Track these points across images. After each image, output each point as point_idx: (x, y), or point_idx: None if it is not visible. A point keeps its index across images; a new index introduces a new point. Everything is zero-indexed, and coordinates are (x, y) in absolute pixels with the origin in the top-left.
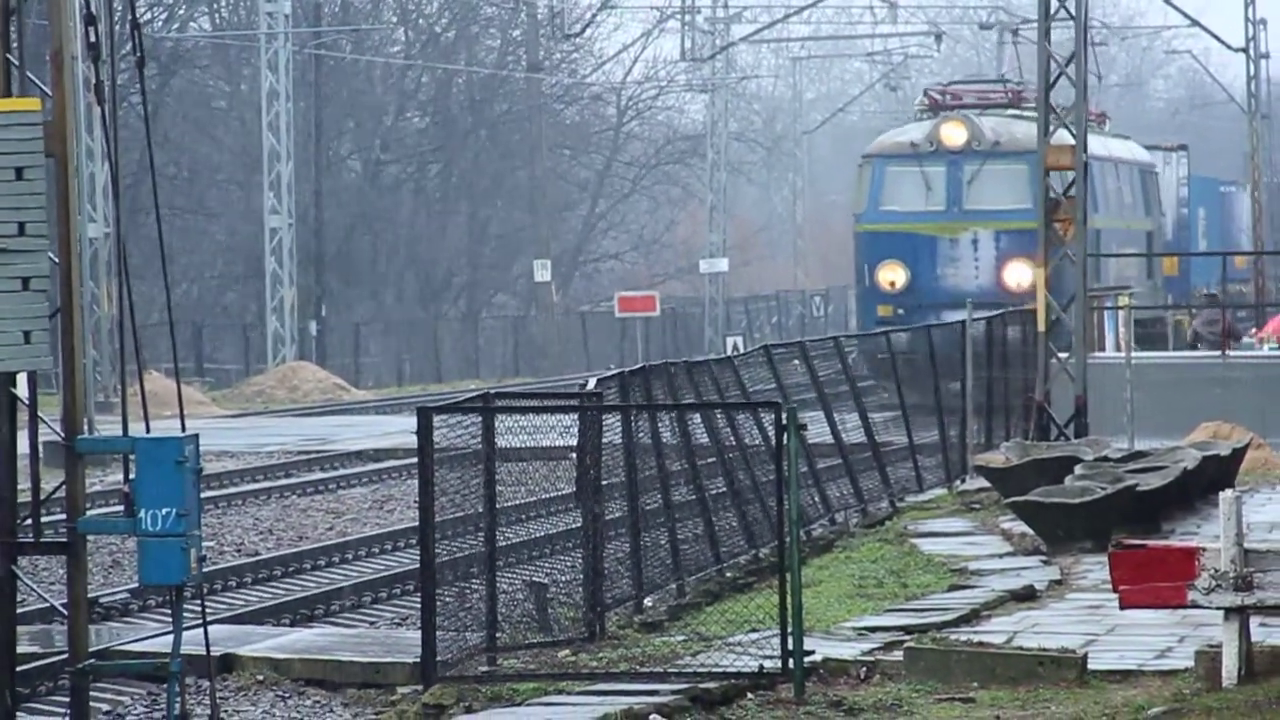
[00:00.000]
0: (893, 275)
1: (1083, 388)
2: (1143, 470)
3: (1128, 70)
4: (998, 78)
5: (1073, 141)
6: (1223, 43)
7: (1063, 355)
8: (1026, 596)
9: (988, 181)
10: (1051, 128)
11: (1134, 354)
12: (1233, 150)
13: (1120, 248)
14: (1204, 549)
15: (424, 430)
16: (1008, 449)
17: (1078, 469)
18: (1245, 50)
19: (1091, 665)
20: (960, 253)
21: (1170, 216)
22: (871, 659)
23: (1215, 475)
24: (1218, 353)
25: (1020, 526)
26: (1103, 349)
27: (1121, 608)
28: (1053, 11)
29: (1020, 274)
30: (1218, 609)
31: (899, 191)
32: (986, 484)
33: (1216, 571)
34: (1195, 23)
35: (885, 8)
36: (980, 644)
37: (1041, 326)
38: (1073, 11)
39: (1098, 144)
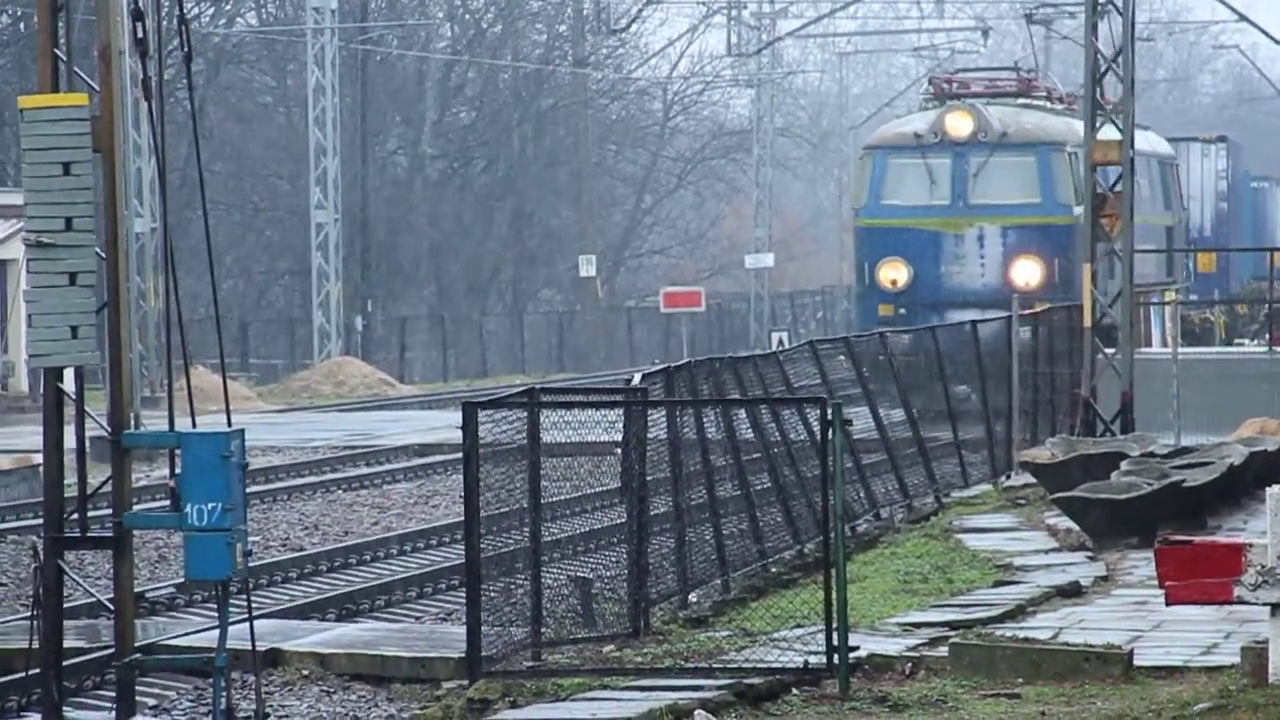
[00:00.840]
0: (894, 273)
1: (1129, 383)
2: (1189, 466)
3: (1175, 65)
4: (1010, 65)
5: (1119, 136)
6: (1271, 38)
7: (1109, 351)
8: (1072, 592)
9: (994, 174)
10: (1099, 123)
11: (1180, 349)
12: None
13: (1139, 243)
14: (1251, 545)
15: (469, 426)
16: (1053, 445)
17: (1124, 465)
18: None
19: (1137, 661)
20: (965, 249)
21: (1209, 210)
22: (916, 655)
23: (1262, 471)
24: (1265, 348)
25: (1066, 522)
26: (1149, 344)
27: (1168, 604)
28: (1100, 6)
29: (1028, 272)
30: (1264, 605)
31: (901, 185)
32: (1032, 480)
33: (1263, 568)
34: (1243, 17)
35: (932, 2)
36: (1026, 640)
37: (1088, 322)
38: (1120, 7)
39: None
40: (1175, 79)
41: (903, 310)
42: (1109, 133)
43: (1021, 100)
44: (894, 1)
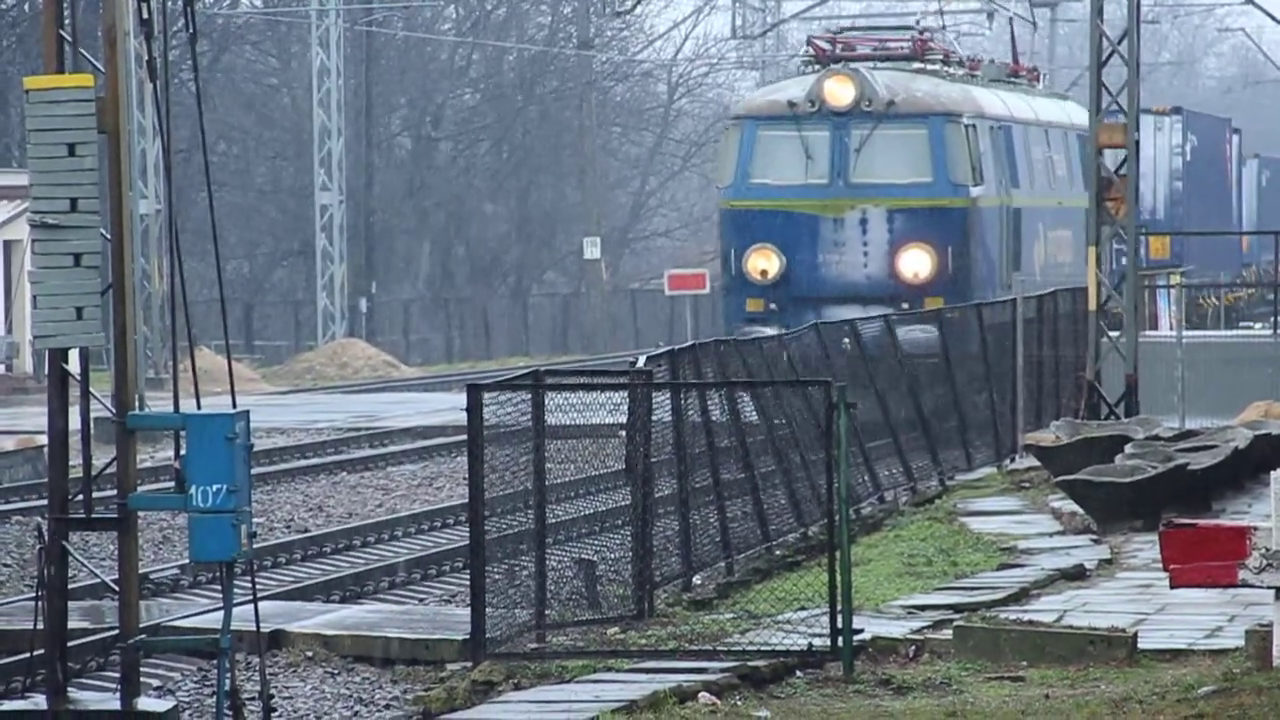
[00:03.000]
0: (764, 263)
1: (1134, 366)
2: (1193, 449)
3: (1180, 48)
4: (903, 25)
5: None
6: (1276, 20)
7: (1114, 334)
8: (1076, 575)
9: (880, 149)
10: (1106, 106)
11: (1185, 333)
12: None
13: (1051, 227)
14: (1255, 528)
15: (474, 407)
16: (1058, 428)
17: (1128, 448)
18: None
19: (1141, 644)
20: (846, 236)
21: (1162, 190)
22: (920, 637)
23: (1266, 454)
24: (1269, 332)
25: (1070, 505)
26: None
27: (1172, 587)
28: None
29: (917, 262)
30: (1269, 588)
31: (773, 161)
32: (1036, 463)
33: (1267, 550)
34: (1248, 0)
35: None
36: (1030, 623)
37: (1093, 305)
38: None
39: (1020, 103)
40: (1180, 62)
41: (773, 306)
42: (985, 97)
43: (916, 65)
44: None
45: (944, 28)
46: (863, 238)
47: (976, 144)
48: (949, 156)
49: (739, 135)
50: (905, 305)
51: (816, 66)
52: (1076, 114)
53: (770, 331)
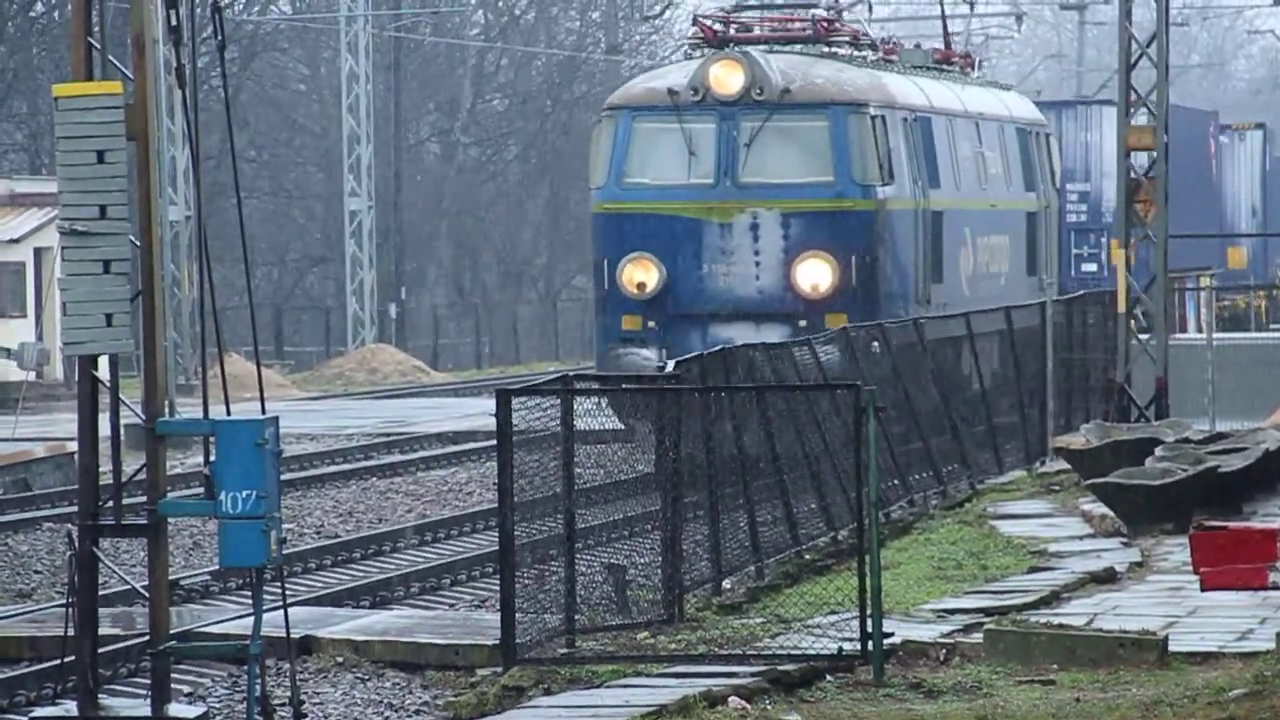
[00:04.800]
0: (641, 275)
1: (1164, 369)
2: (1224, 452)
3: (1209, 50)
4: (805, 4)
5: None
6: None
7: (1144, 336)
8: (1107, 578)
9: (774, 144)
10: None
11: (1215, 335)
12: None
13: (982, 233)
14: None
15: (503, 413)
16: (1088, 431)
17: (1158, 450)
18: None
19: (1172, 647)
20: (735, 244)
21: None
22: (951, 641)
23: None
24: None
25: (1100, 508)
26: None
27: (1202, 589)
28: None
29: (817, 274)
30: None
31: (651, 158)
32: (1066, 466)
33: None
34: (1277, 2)
35: None
36: (1060, 626)
37: (1122, 307)
38: None
39: (945, 93)
40: (1209, 64)
41: (652, 324)
42: (899, 85)
43: (819, 48)
44: None
45: (975, 35)
46: (754, 246)
47: (886, 137)
48: (853, 152)
49: (613, 128)
50: (803, 323)
51: (706, 51)
52: (1018, 106)
53: (648, 354)
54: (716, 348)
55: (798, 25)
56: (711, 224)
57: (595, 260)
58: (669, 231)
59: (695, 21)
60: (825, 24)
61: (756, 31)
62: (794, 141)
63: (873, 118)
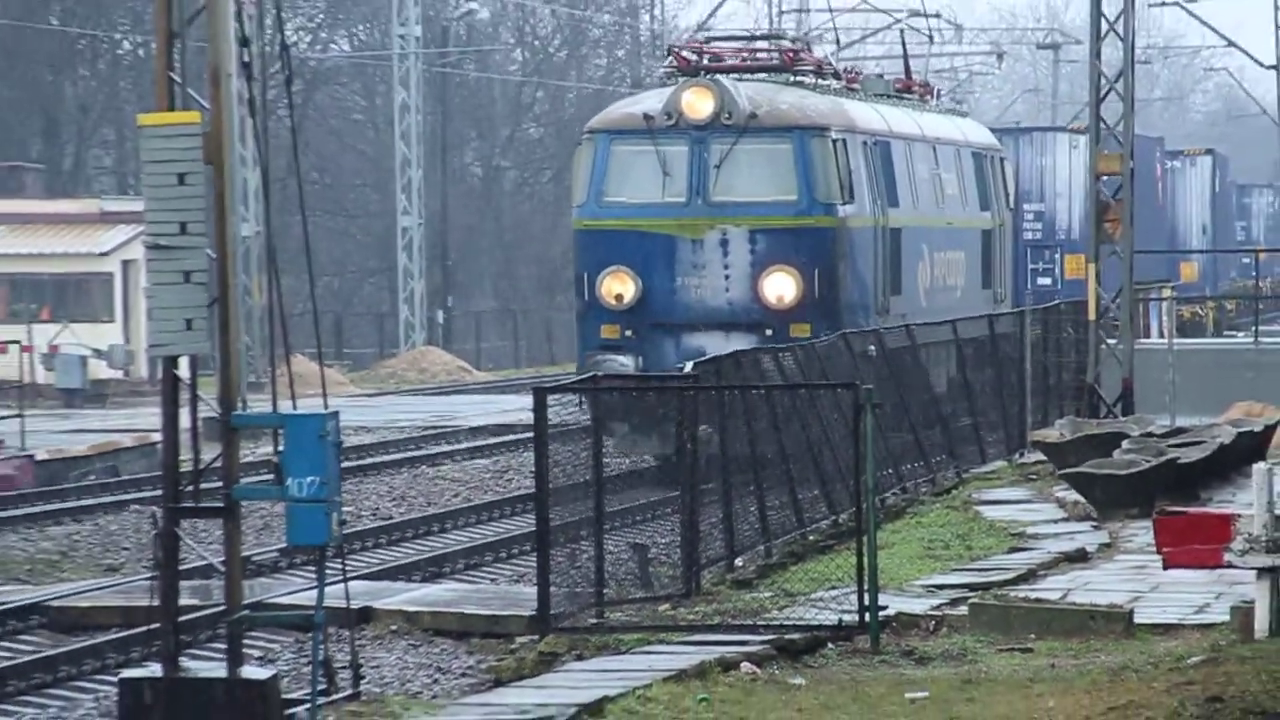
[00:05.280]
0: (619, 287)
1: (1129, 371)
2: (1183, 445)
3: (1170, 85)
4: (769, 33)
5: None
6: (1256, 60)
7: (1111, 341)
8: (1079, 558)
9: (742, 165)
10: (1099, 138)
11: (1175, 341)
12: (1265, 158)
13: (939, 249)
14: (1239, 515)
15: (539, 408)
16: (1062, 426)
17: (1125, 444)
18: (1277, 67)
19: (1137, 619)
20: (705, 258)
21: (1077, 209)
22: (939, 613)
23: (1248, 449)
24: (1251, 339)
25: (1073, 495)
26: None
27: (1165, 568)
28: (1103, 33)
29: (782, 286)
30: (1251, 569)
31: (628, 178)
32: (1042, 457)
33: (1250, 535)
34: (1231, 43)
35: (952, 29)
36: (1037, 600)
37: (1092, 315)
38: (1121, 33)
39: (904, 118)
40: (1170, 98)
41: (629, 333)
42: (859, 110)
43: (785, 76)
44: (918, 28)
45: (963, 71)
46: (724, 260)
47: (846, 159)
48: (815, 173)
49: (592, 150)
50: (769, 331)
51: (681, 79)
52: (973, 132)
53: (625, 360)
54: (727, 354)
55: (766, 55)
56: (684, 240)
57: (576, 273)
58: (645, 246)
59: (670, 51)
60: (791, 54)
61: (728, 61)
62: (760, 163)
63: (834, 141)
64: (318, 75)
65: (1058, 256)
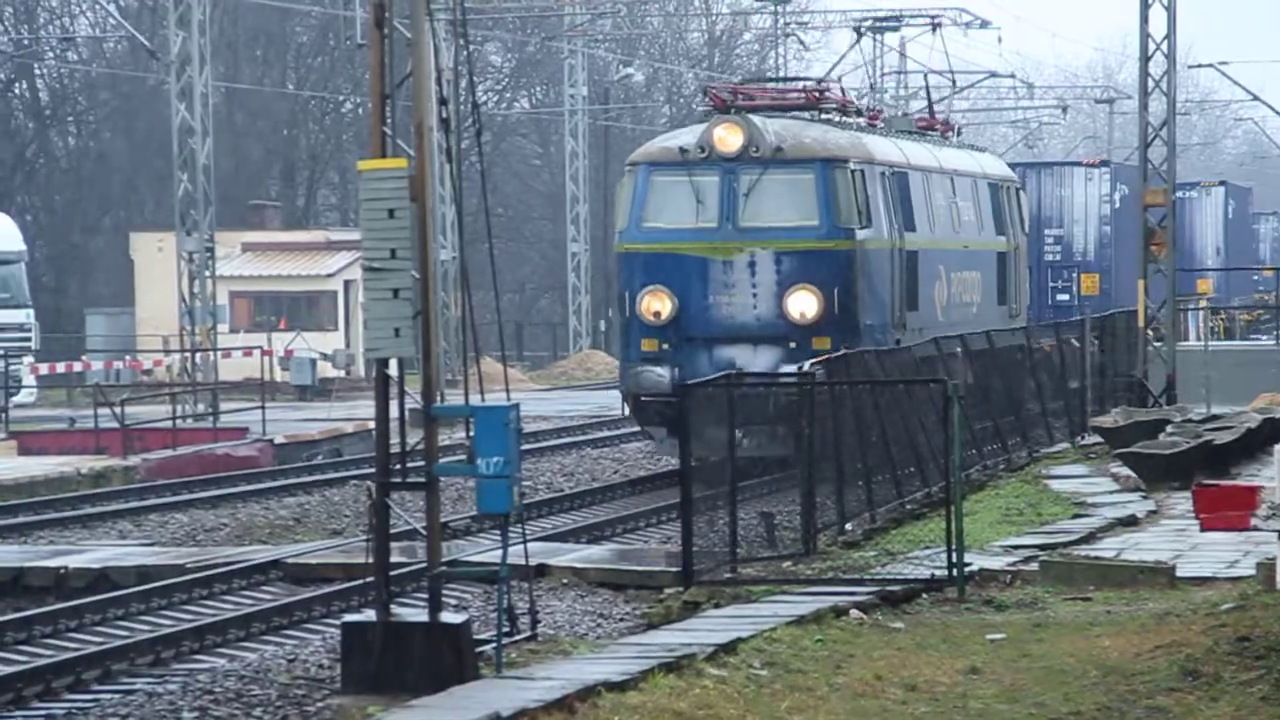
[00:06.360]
0: (657, 304)
1: (1172, 368)
2: (1217, 429)
3: (1205, 132)
4: (801, 77)
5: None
6: (1277, 112)
7: (1157, 344)
8: (1130, 523)
9: (768, 194)
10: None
11: (1210, 343)
12: None
13: (956, 269)
14: (1263, 487)
15: (683, 400)
16: (1116, 413)
17: (1169, 428)
18: None
19: (1179, 573)
20: (735, 278)
21: (1092, 234)
22: (1014, 569)
23: (1272, 432)
24: (1274, 342)
25: (1126, 470)
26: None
27: (1201, 531)
28: (1150, 90)
29: (804, 303)
30: (1273, 531)
31: (665, 205)
32: (1100, 439)
33: (1273, 504)
34: (1256, 97)
35: (1024, 87)
36: (1096, 558)
37: (1141, 323)
38: (1165, 90)
39: (922, 152)
40: (1206, 143)
41: (666, 346)
42: (878, 144)
43: (809, 114)
44: (995, 86)
45: (1034, 121)
46: (752, 279)
47: (864, 188)
48: (834, 200)
49: (633, 181)
50: (793, 345)
51: (716, 116)
52: (991, 165)
53: (661, 371)
54: (838, 355)
55: (793, 95)
56: (716, 261)
57: (619, 292)
58: (680, 267)
59: (705, 91)
60: (816, 94)
61: (758, 100)
62: (785, 191)
63: (852, 171)
64: (503, 128)
65: (1075, 275)
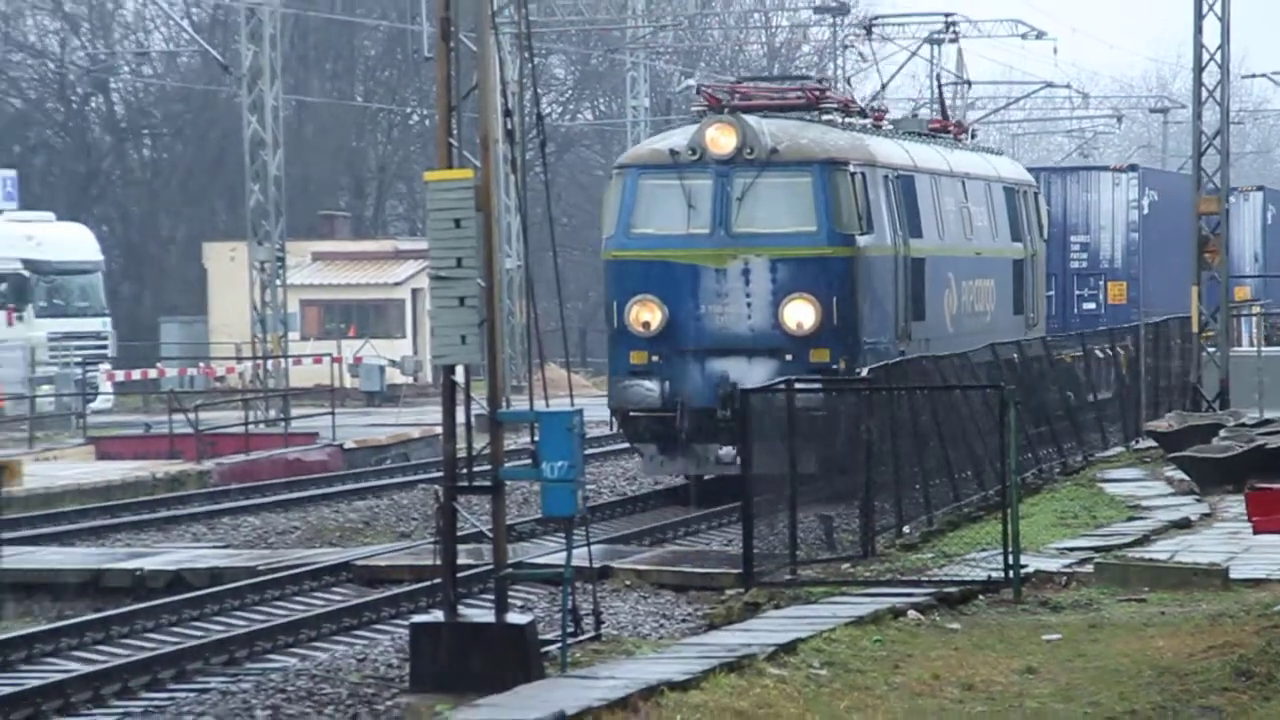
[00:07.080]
0: (646, 314)
1: (1225, 373)
2: (1269, 433)
3: (1259, 141)
4: (797, 74)
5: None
6: None
7: (1211, 349)
8: (1184, 525)
9: (763, 198)
10: (1207, 186)
11: (1263, 348)
12: None
13: (967, 277)
14: None
15: (745, 405)
16: (1170, 417)
17: (1222, 432)
18: None
19: (1232, 575)
20: (729, 287)
21: (1119, 241)
22: (1070, 571)
23: None
24: None
25: (1179, 474)
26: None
27: (1254, 533)
28: (1203, 100)
29: (801, 313)
30: None
31: (655, 210)
32: (1154, 443)
33: None
34: None
35: (1080, 96)
36: (1150, 560)
37: (1195, 328)
38: (1219, 99)
39: (931, 154)
40: (1259, 151)
41: (656, 358)
42: (881, 146)
43: (809, 115)
44: (1052, 96)
45: (1089, 131)
46: (746, 288)
47: (865, 192)
48: (833, 205)
49: (622, 184)
50: (789, 357)
51: (710, 116)
52: (1006, 168)
53: (649, 385)
54: (894, 361)
55: (793, 94)
56: (708, 269)
57: (606, 302)
58: (670, 276)
59: (699, 90)
60: (816, 94)
61: (755, 100)
62: (781, 196)
63: (853, 174)
64: (567, 139)
65: (1102, 283)
